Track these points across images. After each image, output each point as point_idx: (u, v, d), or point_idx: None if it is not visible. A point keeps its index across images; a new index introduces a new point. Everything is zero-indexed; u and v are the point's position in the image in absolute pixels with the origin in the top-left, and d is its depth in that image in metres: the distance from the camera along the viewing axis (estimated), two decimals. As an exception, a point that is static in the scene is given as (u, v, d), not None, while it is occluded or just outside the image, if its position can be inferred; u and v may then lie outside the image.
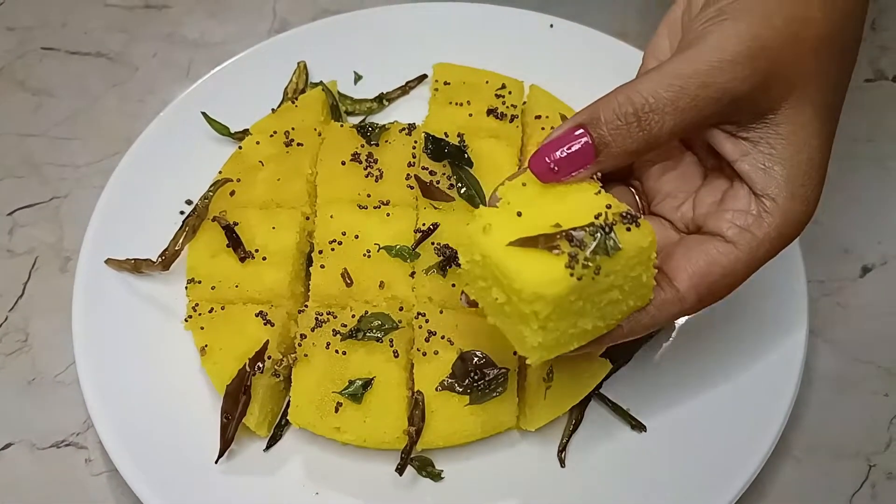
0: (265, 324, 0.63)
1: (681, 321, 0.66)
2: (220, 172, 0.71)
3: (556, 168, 0.47)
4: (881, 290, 0.71)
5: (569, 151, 0.47)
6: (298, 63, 0.78)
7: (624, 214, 0.47)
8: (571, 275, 0.44)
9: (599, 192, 0.48)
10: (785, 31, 0.47)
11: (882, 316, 0.70)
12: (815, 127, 0.48)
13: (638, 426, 0.62)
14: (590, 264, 0.45)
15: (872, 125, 0.80)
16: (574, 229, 0.45)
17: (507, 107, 0.72)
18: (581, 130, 0.48)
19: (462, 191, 0.67)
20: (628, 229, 0.46)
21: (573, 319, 0.47)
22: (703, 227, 0.51)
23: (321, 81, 0.78)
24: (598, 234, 0.45)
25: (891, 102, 0.81)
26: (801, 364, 0.62)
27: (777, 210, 0.48)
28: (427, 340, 0.61)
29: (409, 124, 0.71)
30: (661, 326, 0.51)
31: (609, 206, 0.47)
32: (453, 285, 0.63)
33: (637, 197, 0.56)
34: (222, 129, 0.75)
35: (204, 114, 0.75)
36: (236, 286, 0.65)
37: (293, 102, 0.75)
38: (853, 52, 0.51)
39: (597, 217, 0.46)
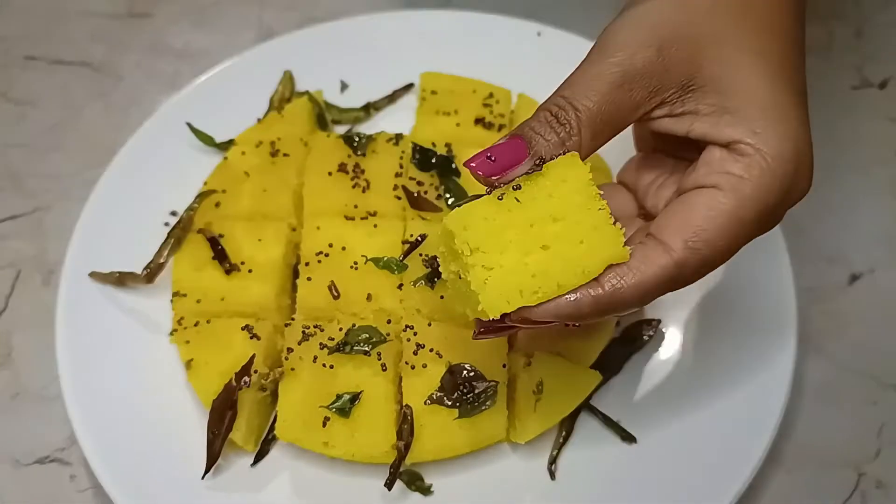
0: (251, 337, 0.63)
1: (672, 334, 0.65)
2: (205, 184, 0.71)
3: (492, 157, 0.47)
4: (869, 298, 0.71)
5: (502, 147, 0.48)
6: (284, 72, 0.78)
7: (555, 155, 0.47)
8: (489, 194, 0.46)
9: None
10: (671, 4, 0.49)
11: (870, 324, 0.70)
12: (743, 74, 0.48)
13: (628, 438, 0.62)
14: (510, 187, 0.46)
15: (859, 132, 0.80)
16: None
17: (495, 116, 0.72)
18: (512, 135, 0.49)
19: (450, 201, 0.67)
20: (553, 157, 0.47)
21: (516, 253, 0.45)
22: (682, 190, 0.50)
23: (307, 91, 0.77)
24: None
25: (876, 109, 0.82)
26: (790, 374, 0.62)
27: (752, 148, 0.47)
28: (415, 353, 0.61)
29: (397, 134, 0.71)
30: (656, 289, 0.47)
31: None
32: (441, 297, 0.62)
33: (635, 198, 0.57)
34: (207, 140, 0.74)
35: (189, 124, 0.74)
36: (222, 299, 0.64)
37: (279, 112, 0.75)
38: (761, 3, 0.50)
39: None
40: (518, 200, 0.46)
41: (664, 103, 0.49)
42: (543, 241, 0.46)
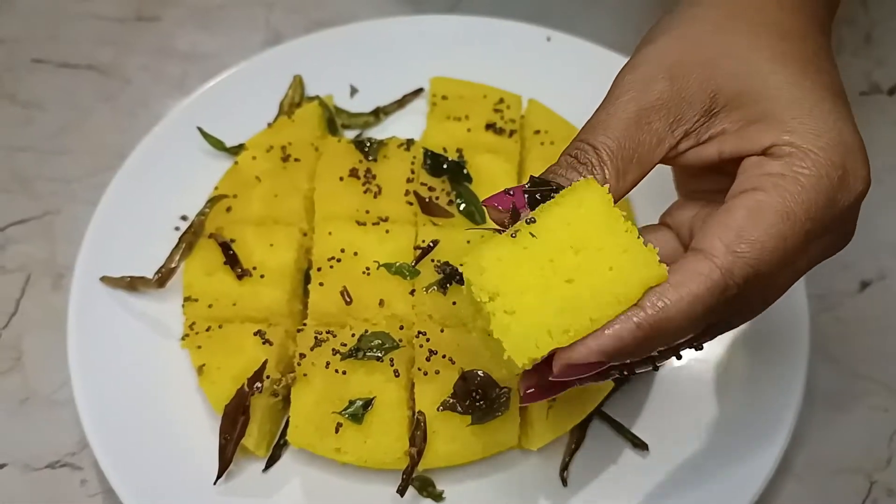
0: (263, 343, 0.63)
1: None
2: (216, 188, 0.71)
3: (513, 193, 0.45)
4: (880, 305, 0.71)
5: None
6: (295, 76, 0.78)
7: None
8: (502, 233, 0.43)
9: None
10: (679, 30, 0.49)
11: (881, 331, 0.70)
12: (766, 76, 0.46)
13: (640, 445, 0.62)
14: (528, 219, 0.42)
15: (868, 138, 0.79)
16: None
17: (506, 121, 0.72)
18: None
19: (461, 207, 0.67)
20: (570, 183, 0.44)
21: (537, 292, 0.41)
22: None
23: (317, 95, 0.77)
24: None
25: (886, 115, 0.82)
26: (803, 382, 0.62)
27: (790, 146, 0.44)
28: (428, 360, 0.61)
29: (408, 139, 0.71)
30: (704, 305, 0.41)
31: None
32: (454, 303, 0.62)
33: (678, 237, 0.52)
34: (218, 144, 0.74)
35: (199, 129, 0.74)
36: (234, 304, 0.64)
37: (289, 116, 0.75)
38: (764, 15, 0.49)
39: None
40: (533, 235, 0.42)
41: (689, 134, 0.48)
42: (567, 274, 0.42)
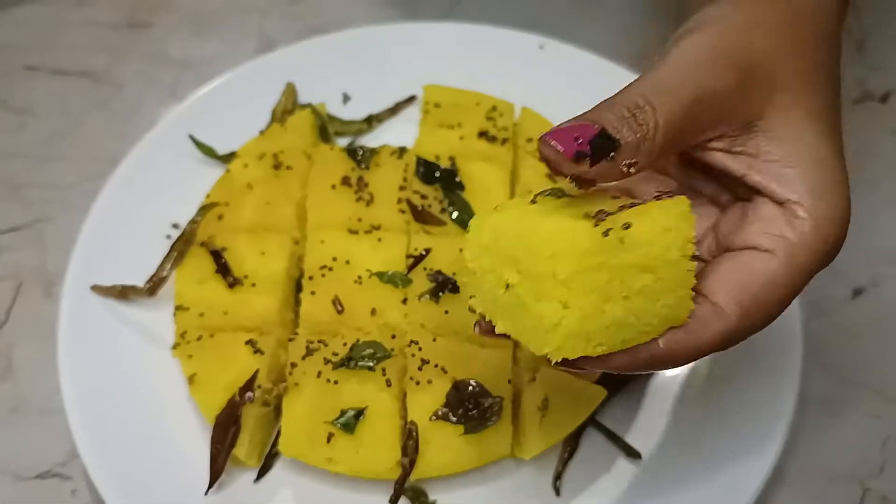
0: (255, 352, 0.62)
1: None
2: (207, 196, 0.70)
3: (579, 139, 0.42)
4: (873, 312, 0.71)
5: (585, 131, 0.42)
6: (287, 84, 0.78)
7: (657, 191, 0.43)
8: (596, 226, 0.40)
9: (631, 171, 0.43)
10: (749, 35, 0.47)
11: (874, 338, 0.70)
12: (812, 126, 0.46)
13: (633, 454, 0.61)
14: (618, 221, 0.40)
15: (861, 146, 0.80)
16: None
17: (499, 129, 0.72)
18: (589, 123, 0.43)
19: (454, 215, 0.67)
20: (658, 198, 0.43)
21: (598, 300, 0.40)
22: (731, 246, 0.47)
23: (310, 103, 0.77)
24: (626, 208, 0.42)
25: (879, 123, 0.82)
26: (796, 390, 0.62)
27: (807, 213, 0.45)
28: (420, 369, 0.60)
29: (400, 147, 0.71)
30: (707, 352, 0.45)
31: (633, 203, 0.43)
32: (446, 312, 0.62)
33: None
34: (209, 152, 0.74)
35: (191, 137, 0.74)
36: (225, 313, 0.64)
37: (281, 124, 0.74)
38: (834, 49, 0.50)
39: (622, 205, 0.43)
40: (622, 242, 0.40)
41: (724, 136, 0.47)
42: (627, 291, 0.41)
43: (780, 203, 0.46)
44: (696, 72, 0.45)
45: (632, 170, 0.43)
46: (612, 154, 0.42)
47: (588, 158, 0.42)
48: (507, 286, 0.42)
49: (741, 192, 0.49)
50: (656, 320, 0.43)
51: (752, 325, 0.45)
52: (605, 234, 0.40)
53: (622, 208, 0.42)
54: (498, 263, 0.43)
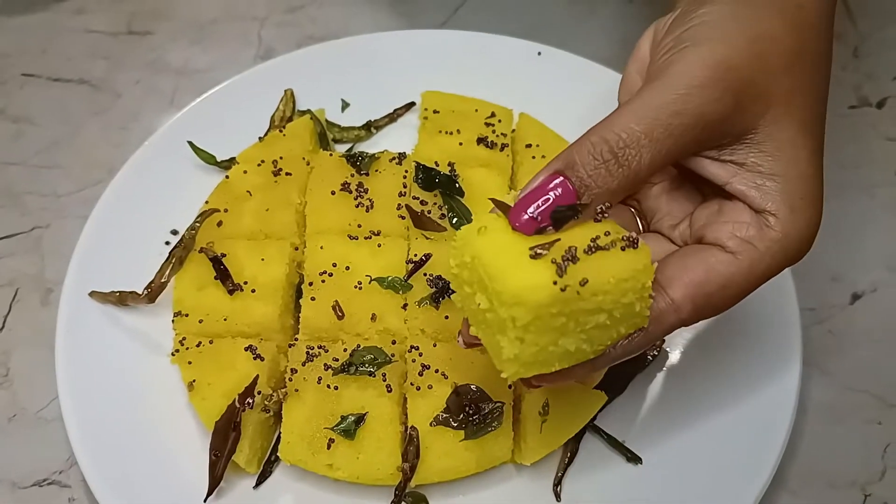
0: (255, 358, 0.62)
1: (676, 354, 0.65)
2: (206, 202, 0.70)
3: (539, 219, 0.45)
4: (871, 318, 0.71)
5: (549, 202, 0.45)
6: (286, 91, 0.78)
7: (624, 238, 0.46)
8: (555, 283, 0.43)
9: (600, 217, 0.47)
10: (749, 51, 0.47)
11: (873, 343, 0.70)
12: (801, 141, 0.48)
13: (633, 459, 0.61)
14: (576, 277, 0.43)
15: (858, 152, 0.81)
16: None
17: (497, 135, 0.72)
18: (560, 178, 0.46)
19: (454, 221, 0.67)
20: (623, 248, 0.45)
21: (554, 336, 0.45)
22: (702, 238, 0.49)
23: (309, 109, 0.77)
24: (593, 251, 0.45)
25: (875, 129, 0.82)
26: (795, 395, 0.62)
27: (779, 224, 0.47)
28: (420, 374, 0.60)
29: (400, 153, 0.71)
30: (656, 340, 0.49)
31: (608, 233, 0.46)
32: (446, 317, 0.62)
33: (637, 217, 0.55)
34: (208, 158, 0.74)
35: (190, 143, 0.74)
36: (224, 319, 0.64)
37: (280, 131, 0.74)
38: (825, 65, 0.51)
39: (594, 239, 0.45)
40: (579, 294, 0.44)
41: (715, 147, 0.48)
42: (583, 327, 0.45)
43: (756, 211, 0.48)
44: (698, 97, 0.46)
45: (606, 214, 0.46)
46: (577, 216, 0.45)
47: (551, 227, 0.45)
48: (478, 304, 0.46)
49: (721, 192, 0.50)
50: (610, 342, 0.48)
51: (699, 318, 0.49)
52: (564, 290, 0.43)
53: (592, 244, 0.45)
54: (474, 282, 0.46)
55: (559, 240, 0.44)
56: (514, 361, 0.45)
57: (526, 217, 0.45)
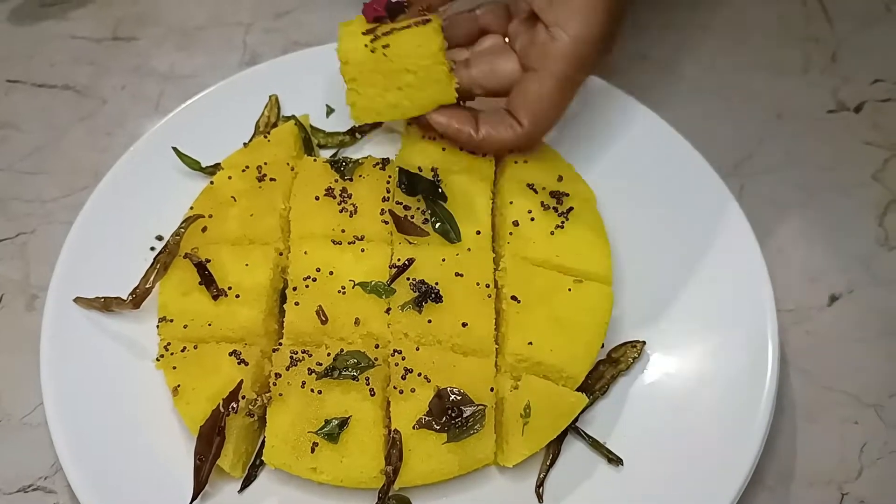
0: (239, 363, 0.63)
1: (656, 357, 0.67)
2: (191, 208, 0.71)
3: (378, 10, 0.69)
4: (849, 318, 0.73)
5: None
6: (270, 96, 0.78)
7: (420, 19, 0.68)
8: (366, 46, 0.67)
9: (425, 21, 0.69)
10: None
11: (850, 343, 0.71)
12: None
13: (615, 460, 0.62)
14: (382, 43, 0.67)
15: (835, 155, 0.82)
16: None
17: (481, 140, 0.73)
18: None
19: (437, 225, 0.67)
20: (418, 25, 0.67)
21: (378, 90, 0.69)
22: (525, 65, 0.68)
23: (293, 115, 0.78)
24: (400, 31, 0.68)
25: (853, 133, 0.83)
26: (773, 394, 0.63)
27: (566, 33, 0.64)
28: (403, 378, 0.61)
29: (383, 159, 0.72)
30: (510, 146, 0.69)
31: (418, 24, 0.69)
32: (429, 321, 0.63)
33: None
34: (193, 164, 0.74)
35: (175, 149, 0.74)
36: (209, 324, 0.64)
37: (265, 136, 0.75)
38: None
39: (405, 25, 0.68)
40: (386, 56, 0.67)
41: None
42: (399, 84, 0.68)
43: (547, 27, 0.65)
44: None
45: (428, 19, 0.68)
46: (406, 10, 0.69)
47: (386, 19, 0.69)
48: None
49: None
50: (427, 101, 0.69)
51: (541, 127, 0.68)
52: (373, 51, 0.67)
53: (400, 27, 0.68)
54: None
55: (380, 25, 0.69)
56: (354, 107, 0.70)
57: (371, 9, 0.69)
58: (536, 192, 0.70)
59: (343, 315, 0.64)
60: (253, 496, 0.62)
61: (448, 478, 0.60)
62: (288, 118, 0.78)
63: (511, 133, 0.67)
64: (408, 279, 0.64)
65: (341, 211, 0.68)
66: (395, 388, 0.61)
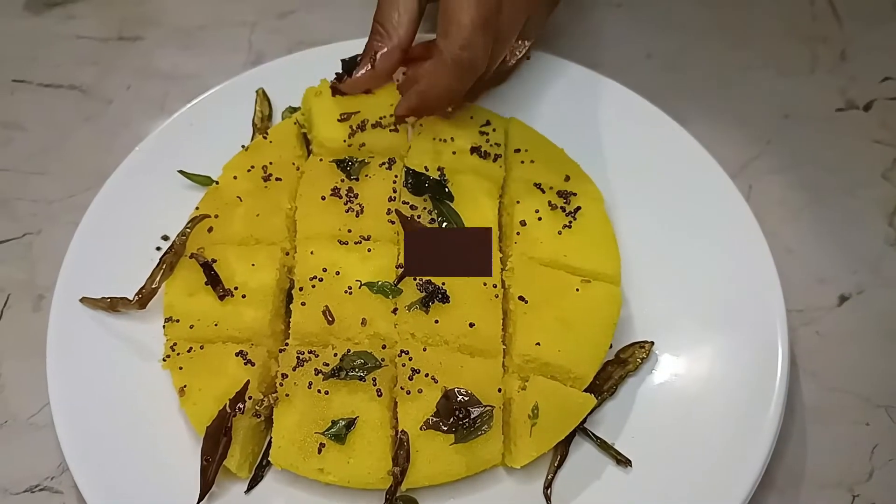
0: (245, 363, 0.62)
1: (665, 358, 0.66)
2: (197, 208, 0.70)
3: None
4: (858, 319, 0.72)
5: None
6: (257, 90, 0.78)
7: (393, 124, 0.73)
8: (345, 141, 0.72)
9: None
10: None
11: (860, 345, 0.71)
12: None
13: (623, 461, 0.62)
14: (359, 141, 0.72)
15: (844, 154, 0.82)
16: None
17: (491, 145, 0.72)
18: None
19: (443, 225, 0.67)
20: (391, 130, 0.73)
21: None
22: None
23: (289, 106, 0.77)
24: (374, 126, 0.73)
25: (861, 132, 0.83)
26: (783, 396, 0.62)
27: (451, 23, 0.66)
28: (411, 379, 0.61)
29: (390, 158, 0.71)
30: (450, 76, 0.68)
31: (390, 116, 0.73)
32: (436, 322, 0.62)
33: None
34: (205, 181, 0.73)
35: (182, 171, 0.73)
36: (215, 325, 0.64)
37: (263, 132, 0.75)
38: None
39: (380, 118, 0.73)
40: (360, 151, 0.72)
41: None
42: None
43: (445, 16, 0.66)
44: None
45: (379, 63, 0.72)
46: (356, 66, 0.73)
47: (345, 76, 0.74)
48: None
49: None
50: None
51: (457, 40, 0.66)
52: (350, 146, 0.72)
53: (376, 122, 0.73)
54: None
55: (358, 112, 0.72)
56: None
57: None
58: (544, 192, 0.69)
59: (350, 315, 0.63)
60: (260, 497, 0.61)
61: (455, 479, 0.60)
62: (284, 111, 0.77)
63: (438, 63, 0.67)
64: (414, 279, 0.64)
65: (347, 211, 0.68)
66: (402, 388, 0.61)
